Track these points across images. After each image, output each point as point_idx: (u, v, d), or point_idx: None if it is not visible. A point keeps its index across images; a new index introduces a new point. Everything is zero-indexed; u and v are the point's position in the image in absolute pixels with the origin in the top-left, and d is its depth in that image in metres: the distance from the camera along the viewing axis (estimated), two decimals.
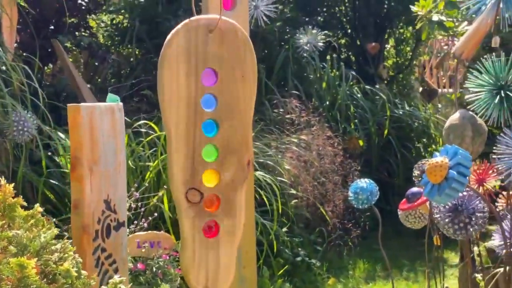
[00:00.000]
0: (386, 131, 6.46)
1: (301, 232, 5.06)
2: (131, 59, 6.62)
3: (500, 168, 2.38)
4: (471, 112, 2.98)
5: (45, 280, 1.61)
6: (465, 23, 5.47)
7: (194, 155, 2.10)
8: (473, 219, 2.43)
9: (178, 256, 3.64)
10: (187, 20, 2.08)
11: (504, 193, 2.95)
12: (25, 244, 1.62)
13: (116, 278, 1.67)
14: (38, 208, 1.84)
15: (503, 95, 2.45)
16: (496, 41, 2.75)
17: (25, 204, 1.76)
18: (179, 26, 2.08)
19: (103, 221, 2.22)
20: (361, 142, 6.14)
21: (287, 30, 6.76)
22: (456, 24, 5.59)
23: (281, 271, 4.63)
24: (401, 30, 8.88)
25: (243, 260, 3.70)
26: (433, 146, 6.73)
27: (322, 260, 5.12)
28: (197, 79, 2.09)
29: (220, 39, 2.12)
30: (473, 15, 2.92)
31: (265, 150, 4.90)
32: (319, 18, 7.81)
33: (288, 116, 5.54)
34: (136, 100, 5.55)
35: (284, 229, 4.78)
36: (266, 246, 4.44)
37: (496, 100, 2.45)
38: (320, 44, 6.23)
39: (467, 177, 2.25)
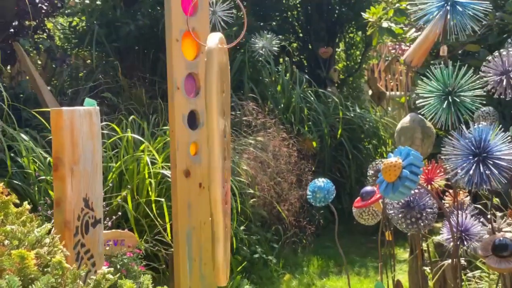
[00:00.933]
0: (339, 133, 6.68)
1: (258, 230, 5.23)
2: (88, 61, 6.71)
3: (447, 168, 2.57)
4: (420, 116, 3.20)
5: None
6: (413, 30, 5.75)
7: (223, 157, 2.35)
8: (424, 214, 2.65)
9: (141, 254, 3.79)
10: (220, 35, 2.33)
11: (451, 191, 3.17)
12: (20, 238, 1.76)
13: (104, 269, 1.82)
14: (26, 205, 1.99)
15: (450, 100, 2.64)
16: (444, 50, 2.93)
17: (17, 201, 1.90)
18: (215, 40, 2.30)
19: (82, 218, 2.36)
20: (314, 144, 6.34)
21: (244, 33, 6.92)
22: (405, 29, 5.86)
23: (240, 268, 4.80)
24: (351, 35, 9.16)
25: (203, 257, 3.85)
26: (383, 148, 6.99)
27: (278, 257, 5.31)
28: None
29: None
30: (423, 24, 3.09)
31: None
32: (273, 23, 8.00)
33: (245, 118, 5.71)
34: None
35: (242, 228, 4.95)
36: None
37: (444, 105, 2.65)
38: (275, 48, 6.43)
39: (419, 176, 2.45)
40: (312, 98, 6.75)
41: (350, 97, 7.91)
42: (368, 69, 9.77)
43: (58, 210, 2.29)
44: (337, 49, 9.06)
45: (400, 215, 2.67)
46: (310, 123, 6.51)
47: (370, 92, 8.94)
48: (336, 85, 8.24)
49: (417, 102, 2.79)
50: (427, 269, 3.62)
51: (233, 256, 4.77)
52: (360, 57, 8.99)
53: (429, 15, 2.91)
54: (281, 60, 7.32)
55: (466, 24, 2.78)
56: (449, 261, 3.29)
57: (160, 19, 6.13)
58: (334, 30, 8.51)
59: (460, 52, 5.26)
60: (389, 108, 8.45)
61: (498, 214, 3.06)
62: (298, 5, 8.60)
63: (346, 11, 8.26)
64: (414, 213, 2.65)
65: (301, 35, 8.72)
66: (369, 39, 8.97)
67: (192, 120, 3.57)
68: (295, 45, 8.69)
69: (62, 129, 2.26)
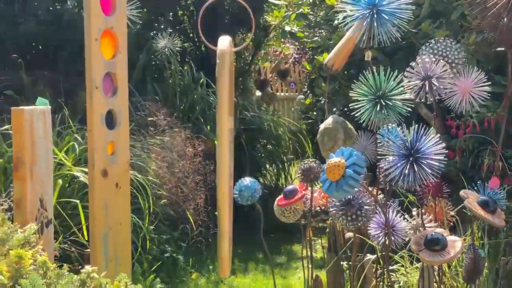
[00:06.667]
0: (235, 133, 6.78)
1: (166, 229, 5.25)
2: None
3: (382, 167, 2.73)
4: (342, 118, 3.36)
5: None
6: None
7: None
8: (363, 211, 2.80)
9: (56, 255, 3.73)
10: (229, 39, 2.38)
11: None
12: (4, 238, 1.73)
13: (88, 267, 1.82)
14: None
15: (383, 103, 2.81)
16: (368, 55, 3.09)
17: None
18: (226, 44, 2.33)
19: (39, 218, 2.33)
20: (216, 143, 6.38)
21: (145, 33, 6.90)
22: (306, 34, 6.07)
23: (154, 267, 4.79)
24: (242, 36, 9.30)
25: (120, 257, 3.85)
26: (282, 147, 7.16)
27: (186, 255, 5.33)
28: None
29: None
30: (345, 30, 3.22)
31: (133, 151, 5.02)
32: (171, 23, 7.98)
33: (150, 118, 5.69)
34: None
35: (152, 227, 4.94)
36: (138, 243, 4.60)
37: (378, 108, 2.81)
38: (177, 48, 6.45)
39: (361, 175, 2.60)
40: (212, 98, 6.81)
41: (241, 98, 8.02)
42: (253, 71, 9.96)
43: (19, 211, 2.25)
44: None
45: (341, 212, 2.81)
46: (212, 123, 6.56)
47: (258, 93, 9.12)
48: None
49: (350, 105, 2.93)
50: (345, 264, 3.80)
51: (144, 256, 4.77)
52: (250, 58, 9.13)
53: (351, 21, 3.04)
54: (177, 59, 7.32)
55: (390, 32, 2.94)
56: (371, 256, 3.48)
57: (61, 16, 5.98)
58: (228, 32, 8.58)
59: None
60: (292, 109, 8.63)
61: (414, 211, 3.26)
62: (191, 8, 8.61)
63: (239, 12, 8.35)
64: (354, 210, 2.79)
65: (195, 36, 8.74)
66: (258, 41, 9.11)
67: (110, 120, 3.57)
68: (190, 45, 8.71)
69: (23, 129, 2.23)
